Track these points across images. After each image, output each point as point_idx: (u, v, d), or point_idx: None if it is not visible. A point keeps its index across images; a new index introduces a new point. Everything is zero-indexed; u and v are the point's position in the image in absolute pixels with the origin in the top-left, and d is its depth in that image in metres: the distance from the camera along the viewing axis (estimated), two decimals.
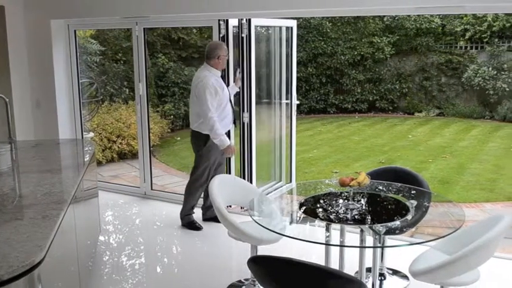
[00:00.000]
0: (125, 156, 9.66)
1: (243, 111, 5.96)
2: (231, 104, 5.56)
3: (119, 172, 8.83)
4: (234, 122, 5.70)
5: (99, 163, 8.86)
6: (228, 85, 5.66)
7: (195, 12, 5.80)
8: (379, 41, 15.42)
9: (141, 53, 6.51)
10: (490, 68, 14.23)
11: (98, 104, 9.83)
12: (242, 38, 5.86)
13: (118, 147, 9.52)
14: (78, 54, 7.00)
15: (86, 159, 4.50)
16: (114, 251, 5.20)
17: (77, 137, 7.05)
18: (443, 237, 3.46)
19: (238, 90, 5.88)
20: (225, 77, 5.68)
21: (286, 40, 6.67)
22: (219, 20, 5.87)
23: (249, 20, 5.84)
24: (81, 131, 7.16)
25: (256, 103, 6.06)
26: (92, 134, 8.74)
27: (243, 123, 6.01)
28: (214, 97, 5.25)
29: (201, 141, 5.41)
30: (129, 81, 11.04)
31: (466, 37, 14.96)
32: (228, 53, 5.61)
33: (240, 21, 5.88)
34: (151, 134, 7.55)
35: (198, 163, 5.54)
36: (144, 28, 6.46)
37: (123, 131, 9.70)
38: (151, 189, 6.93)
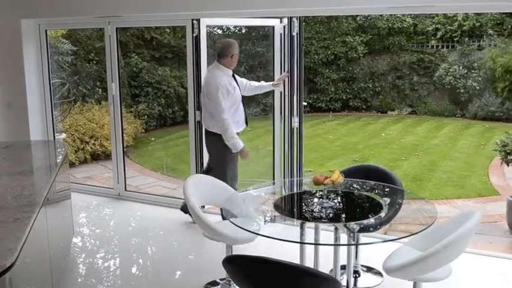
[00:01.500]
0: (98, 157, 9.56)
1: (292, 115, 5.69)
2: (243, 104, 5.42)
3: (92, 173, 8.74)
4: (246, 122, 5.51)
5: (72, 164, 8.75)
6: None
7: (168, 11, 5.77)
8: (352, 40, 15.54)
9: (114, 52, 6.45)
10: (461, 67, 14.46)
11: (70, 104, 9.71)
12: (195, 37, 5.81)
13: (91, 148, 9.41)
14: (49, 54, 6.90)
15: (58, 161, 4.45)
16: (89, 253, 5.15)
17: (48, 138, 6.96)
18: (416, 234, 3.51)
19: (273, 89, 5.77)
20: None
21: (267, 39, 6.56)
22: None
23: (199, 20, 5.80)
24: (53, 132, 7.06)
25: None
26: (64, 135, 8.63)
27: (292, 129, 5.73)
28: (227, 98, 5.13)
29: (222, 142, 5.20)
30: (102, 81, 10.92)
31: (437, 36, 15.16)
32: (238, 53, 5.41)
33: (192, 21, 5.84)
34: (124, 135, 7.50)
35: (224, 165, 5.26)
36: (116, 28, 6.41)
37: (96, 132, 9.60)
38: (125, 190, 6.88)
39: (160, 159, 10.47)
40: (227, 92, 5.13)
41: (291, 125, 5.65)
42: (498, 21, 14.72)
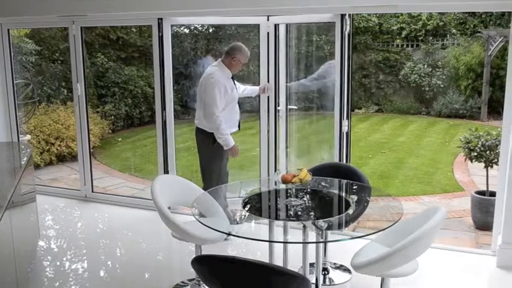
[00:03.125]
0: (64, 158, 9.42)
1: (343, 118, 5.51)
2: (238, 107, 5.37)
3: (58, 175, 8.61)
4: (239, 126, 5.41)
5: (37, 166, 8.60)
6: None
7: (133, 10, 5.71)
8: (318, 39, 15.64)
9: (79, 52, 6.37)
10: (425, 66, 14.71)
11: (35, 105, 9.54)
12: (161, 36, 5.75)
13: (57, 149, 9.27)
14: (12, 54, 6.76)
15: (22, 163, 4.37)
16: (56, 256, 5.07)
17: (12, 140, 6.82)
18: (383, 230, 3.55)
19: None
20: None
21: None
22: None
23: (161, 19, 5.80)
24: (17, 133, 6.93)
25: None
26: (28, 137, 8.47)
27: (342, 132, 5.56)
28: (223, 96, 5.05)
29: (211, 139, 5.16)
30: (67, 81, 10.75)
31: (402, 35, 15.39)
32: (245, 65, 5.30)
33: (158, 20, 5.83)
34: (91, 135, 7.41)
35: (211, 162, 5.24)
36: (81, 27, 6.32)
37: (62, 133, 9.46)
38: (92, 191, 6.79)
39: (128, 160, 10.37)
40: (224, 90, 5.06)
41: (340, 129, 5.49)
42: (461, 21, 15.05)
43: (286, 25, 5.77)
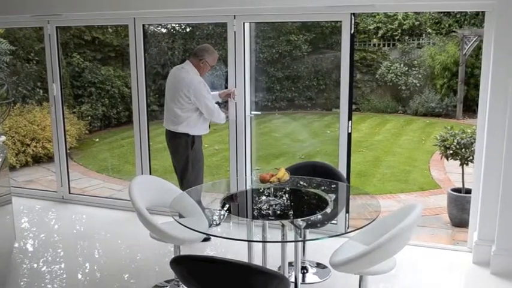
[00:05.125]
0: (41, 159, 9.30)
1: (349, 119, 5.40)
2: None
3: (34, 176, 8.50)
4: (209, 126, 5.35)
5: (13, 168, 8.48)
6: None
7: (109, 10, 5.67)
8: (296, 39, 15.69)
9: (54, 52, 6.30)
10: (402, 65, 14.85)
11: (10, 106, 9.37)
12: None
13: (33, 150, 9.14)
14: None
15: None
16: (32, 259, 5.01)
17: None
18: (361, 228, 3.58)
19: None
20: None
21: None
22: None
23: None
24: None
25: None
26: (3, 138, 8.32)
27: (349, 134, 5.39)
28: (207, 90, 5.07)
29: (189, 142, 5.11)
30: (43, 81, 10.62)
31: (379, 35, 15.52)
32: (212, 67, 5.25)
33: (135, 19, 5.78)
34: (68, 136, 7.32)
35: (192, 165, 5.16)
36: (56, 27, 6.25)
37: (38, 134, 9.34)
38: (70, 193, 6.73)
39: (105, 161, 10.28)
40: (205, 86, 5.07)
41: (348, 130, 5.35)
42: (436, 20, 15.23)
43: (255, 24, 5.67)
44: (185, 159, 5.18)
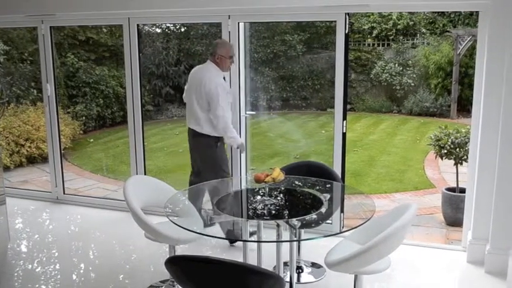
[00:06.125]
0: (35, 160, 9.27)
1: (344, 119, 5.34)
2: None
3: (28, 177, 8.47)
4: None
5: (7, 168, 8.45)
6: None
7: (103, 10, 5.66)
8: (291, 39, 15.70)
9: (48, 52, 6.28)
10: (396, 65, 14.88)
11: (4, 106, 9.34)
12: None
13: (27, 151, 9.11)
14: None
15: None
16: (26, 259, 4.99)
17: None
18: (356, 228, 3.59)
19: None
20: None
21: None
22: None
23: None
24: None
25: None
26: None
27: (343, 133, 5.33)
28: (225, 96, 4.89)
29: (213, 143, 4.99)
30: (37, 81, 10.58)
31: (373, 35, 15.55)
32: (231, 57, 5.02)
33: (129, 19, 5.76)
34: (62, 136, 7.31)
35: (220, 165, 5.03)
36: (50, 27, 6.23)
37: (32, 134, 9.31)
38: (64, 193, 6.71)
39: (100, 161, 10.26)
40: (224, 89, 4.90)
41: (342, 130, 5.29)
42: (430, 20, 15.29)
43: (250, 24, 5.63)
44: (207, 160, 5.09)
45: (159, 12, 5.63)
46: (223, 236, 4.45)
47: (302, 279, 4.48)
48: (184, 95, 5.31)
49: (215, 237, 3.56)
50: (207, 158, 5.10)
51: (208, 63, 5.03)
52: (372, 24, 15.46)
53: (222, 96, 4.85)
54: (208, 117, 4.94)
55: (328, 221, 4.11)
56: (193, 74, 5.15)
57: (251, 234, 4.14)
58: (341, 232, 3.77)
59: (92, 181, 8.49)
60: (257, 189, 4.03)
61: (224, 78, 5.06)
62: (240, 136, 5.64)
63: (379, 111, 14.88)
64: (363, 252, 3.18)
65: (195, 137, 5.12)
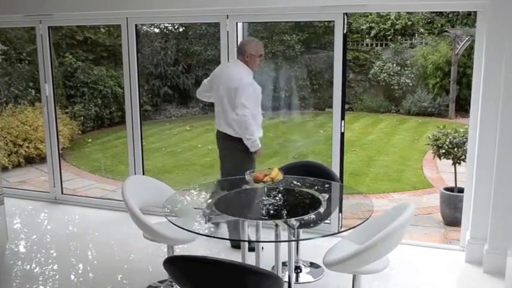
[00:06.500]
0: (33, 160, 9.26)
1: (342, 119, 5.30)
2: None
3: (26, 177, 8.46)
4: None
5: (5, 168, 8.44)
6: None
7: (102, 10, 5.66)
8: (289, 38, 15.70)
9: (46, 52, 6.27)
10: (394, 64, 14.89)
11: (2, 106, 9.37)
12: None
13: (25, 151, 9.10)
14: None
15: None
16: (25, 260, 4.98)
17: None
18: (354, 227, 3.59)
19: None
20: None
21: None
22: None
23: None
24: None
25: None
26: None
27: (342, 133, 5.31)
28: (252, 95, 4.69)
29: (242, 146, 4.75)
30: (35, 82, 10.58)
31: (371, 35, 15.56)
32: (261, 55, 4.85)
33: (127, 19, 5.75)
34: (60, 137, 7.30)
35: (246, 167, 4.55)
36: (48, 27, 6.23)
37: (30, 134, 9.30)
38: (62, 193, 6.70)
39: (98, 161, 10.25)
40: (253, 89, 4.71)
41: (340, 130, 5.27)
42: (428, 20, 15.30)
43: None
44: (239, 162, 4.80)
45: (157, 12, 5.63)
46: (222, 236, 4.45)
47: (300, 279, 4.48)
48: (208, 94, 5.09)
49: (214, 237, 3.56)
50: (233, 160, 4.87)
51: (236, 62, 4.88)
52: (370, 24, 15.47)
53: (249, 95, 4.66)
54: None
55: (326, 221, 4.12)
56: (219, 72, 4.94)
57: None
58: (339, 232, 3.77)
59: (90, 181, 8.48)
60: (256, 189, 4.02)
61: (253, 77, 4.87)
62: None
63: (377, 111, 14.88)
64: (361, 252, 3.18)
65: (225, 140, 4.89)
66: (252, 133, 4.68)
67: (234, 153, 4.83)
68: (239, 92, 4.62)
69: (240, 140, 4.74)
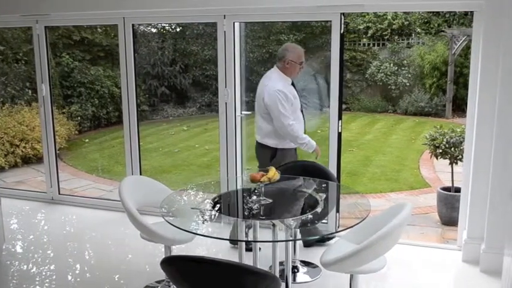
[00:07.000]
0: (30, 160, 9.25)
1: (339, 119, 5.30)
2: (302, 114, 4.94)
3: (23, 177, 8.45)
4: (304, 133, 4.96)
5: (2, 169, 8.44)
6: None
7: (98, 9, 5.65)
8: (286, 38, 15.70)
9: (43, 52, 6.26)
10: (391, 64, 14.91)
11: None
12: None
13: (22, 151, 9.09)
14: None
15: None
16: (22, 260, 4.97)
17: None
18: (351, 227, 3.59)
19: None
20: None
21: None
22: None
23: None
24: None
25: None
26: None
27: (339, 133, 5.32)
28: (287, 103, 4.61)
29: (269, 155, 4.77)
30: (32, 82, 10.55)
31: (369, 34, 15.57)
32: (302, 63, 4.79)
33: (124, 19, 5.71)
34: (57, 137, 7.29)
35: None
36: (45, 26, 6.22)
37: (27, 134, 9.28)
38: (59, 193, 6.69)
39: (95, 161, 10.24)
40: (285, 97, 4.61)
41: (338, 130, 5.27)
42: (425, 20, 15.31)
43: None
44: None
45: (155, 12, 5.63)
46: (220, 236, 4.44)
47: (298, 279, 4.48)
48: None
49: (211, 237, 3.55)
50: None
51: (273, 70, 4.82)
52: (367, 24, 15.48)
53: (282, 103, 4.59)
54: (270, 128, 4.74)
55: (323, 221, 4.11)
56: (259, 83, 4.90)
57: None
58: (336, 232, 3.77)
59: (87, 181, 8.47)
60: (253, 189, 4.02)
61: (293, 83, 4.82)
62: (236, 136, 5.64)
63: (374, 111, 14.90)
64: (359, 251, 3.18)
65: (258, 148, 4.93)
66: (302, 138, 4.71)
67: (261, 160, 4.89)
68: (271, 104, 4.62)
69: (266, 147, 4.78)
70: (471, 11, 4.83)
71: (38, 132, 8.99)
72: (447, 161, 5.96)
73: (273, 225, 3.62)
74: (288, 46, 4.91)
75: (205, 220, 3.80)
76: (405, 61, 14.97)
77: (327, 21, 5.25)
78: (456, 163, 5.88)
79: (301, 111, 4.93)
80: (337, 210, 4.15)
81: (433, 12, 14.64)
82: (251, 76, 15.62)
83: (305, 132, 4.91)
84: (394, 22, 15.12)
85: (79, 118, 11.82)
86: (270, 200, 3.84)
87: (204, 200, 4.22)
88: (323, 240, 4.80)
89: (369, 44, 15.74)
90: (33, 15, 6.06)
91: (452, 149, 5.80)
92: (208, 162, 9.66)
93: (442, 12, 14.55)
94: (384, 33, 15.33)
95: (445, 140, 5.85)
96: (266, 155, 4.81)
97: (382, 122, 13.68)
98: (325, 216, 4.05)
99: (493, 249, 4.43)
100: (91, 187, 8.11)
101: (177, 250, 4.77)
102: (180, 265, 2.98)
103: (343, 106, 15.27)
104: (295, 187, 4.30)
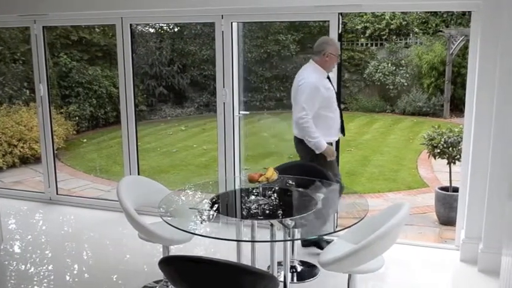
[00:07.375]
0: (28, 160, 9.24)
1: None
2: (340, 110, 4.83)
3: (21, 178, 8.43)
4: (343, 131, 4.90)
5: (0, 169, 8.43)
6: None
7: (96, 9, 5.65)
8: (284, 38, 15.70)
9: (41, 52, 6.25)
10: (389, 64, 14.92)
11: None
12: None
13: (20, 151, 9.08)
14: None
15: None
16: (20, 260, 4.97)
17: None
18: (349, 227, 3.59)
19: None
20: None
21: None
22: (122, 18, 5.76)
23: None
24: None
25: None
26: None
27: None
28: (314, 96, 4.51)
29: (309, 149, 4.64)
30: (30, 82, 10.55)
31: (366, 34, 15.58)
32: (340, 54, 4.78)
33: (122, 19, 5.70)
34: (55, 137, 7.28)
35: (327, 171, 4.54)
36: (43, 26, 6.21)
37: (25, 135, 9.27)
38: (57, 194, 6.68)
39: (93, 161, 10.23)
40: (315, 89, 4.52)
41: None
42: (423, 20, 15.33)
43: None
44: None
45: (152, 12, 5.62)
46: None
47: (296, 279, 4.48)
48: None
49: (210, 237, 3.55)
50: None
51: (309, 63, 4.79)
52: (365, 24, 15.48)
53: (310, 96, 4.51)
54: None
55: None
56: (295, 78, 4.84)
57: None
58: (335, 231, 3.77)
59: (85, 181, 8.46)
60: (251, 189, 4.02)
61: (329, 78, 4.75)
62: (234, 136, 5.64)
63: (372, 111, 14.90)
64: (357, 251, 3.18)
65: (296, 144, 4.86)
66: (311, 135, 4.54)
67: (302, 154, 4.82)
68: (298, 93, 4.57)
69: (303, 141, 4.68)
70: (469, 11, 4.84)
71: (36, 132, 8.98)
72: (445, 161, 5.97)
73: (271, 225, 3.62)
74: (327, 39, 4.83)
75: (204, 220, 3.80)
76: (403, 61, 14.98)
77: (325, 21, 5.26)
78: (454, 163, 5.88)
79: (339, 107, 4.85)
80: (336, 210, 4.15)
81: (431, 12, 14.66)
82: (249, 76, 15.66)
83: (343, 131, 4.87)
84: (392, 22, 15.13)
85: (77, 118, 11.80)
86: (268, 200, 3.84)
87: (202, 200, 4.23)
88: (321, 247, 4.69)
89: (366, 44, 15.75)
90: (31, 15, 6.05)
91: (450, 148, 5.81)
92: (207, 162, 9.66)
93: (440, 12, 14.57)
94: (381, 33, 15.34)
95: (443, 139, 5.85)
96: (305, 149, 4.69)
97: (380, 121, 13.69)
98: (324, 216, 4.05)
99: (491, 249, 4.43)
100: (89, 187, 8.11)
101: (175, 250, 4.77)
102: (178, 265, 2.98)
103: (342, 106, 15.35)
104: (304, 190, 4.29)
